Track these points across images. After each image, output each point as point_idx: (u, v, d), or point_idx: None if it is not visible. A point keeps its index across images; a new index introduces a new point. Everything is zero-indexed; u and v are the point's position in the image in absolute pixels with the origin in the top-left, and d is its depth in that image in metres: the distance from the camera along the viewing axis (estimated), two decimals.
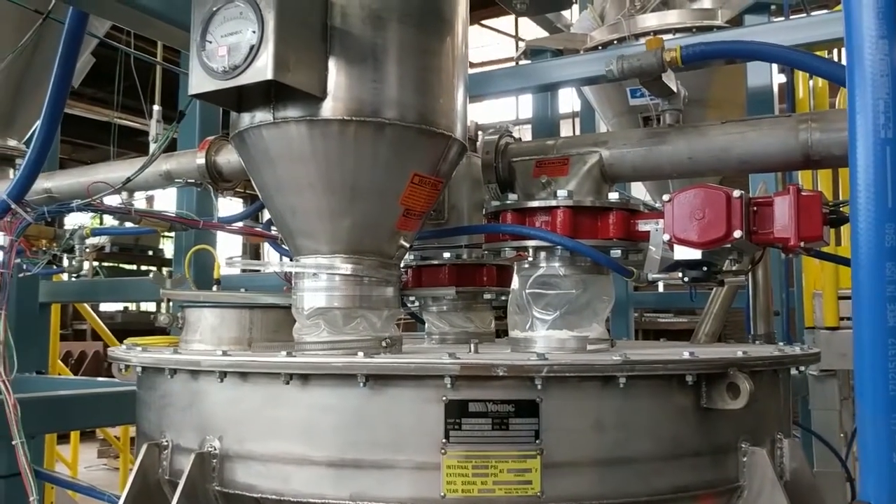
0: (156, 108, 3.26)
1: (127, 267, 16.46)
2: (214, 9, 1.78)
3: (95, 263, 3.72)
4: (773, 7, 4.74)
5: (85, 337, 15.68)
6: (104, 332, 8.11)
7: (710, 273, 2.03)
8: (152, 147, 3.47)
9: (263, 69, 1.70)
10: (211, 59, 1.78)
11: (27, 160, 2.27)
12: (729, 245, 1.91)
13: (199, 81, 1.80)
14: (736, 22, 4.94)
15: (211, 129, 4.09)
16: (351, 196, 1.91)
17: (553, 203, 2.08)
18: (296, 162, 1.89)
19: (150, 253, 16.19)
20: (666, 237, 1.98)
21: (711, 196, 1.90)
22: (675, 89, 2.09)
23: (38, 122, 2.39)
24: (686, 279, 2.03)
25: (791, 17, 4.70)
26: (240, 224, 3.02)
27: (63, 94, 2.22)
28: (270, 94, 1.83)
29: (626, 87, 5.12)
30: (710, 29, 4.96)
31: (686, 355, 1.80)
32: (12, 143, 3.86)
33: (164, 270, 17.39)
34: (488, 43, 15.31)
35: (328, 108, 1.83)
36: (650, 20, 5.08)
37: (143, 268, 17.04)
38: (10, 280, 2.25)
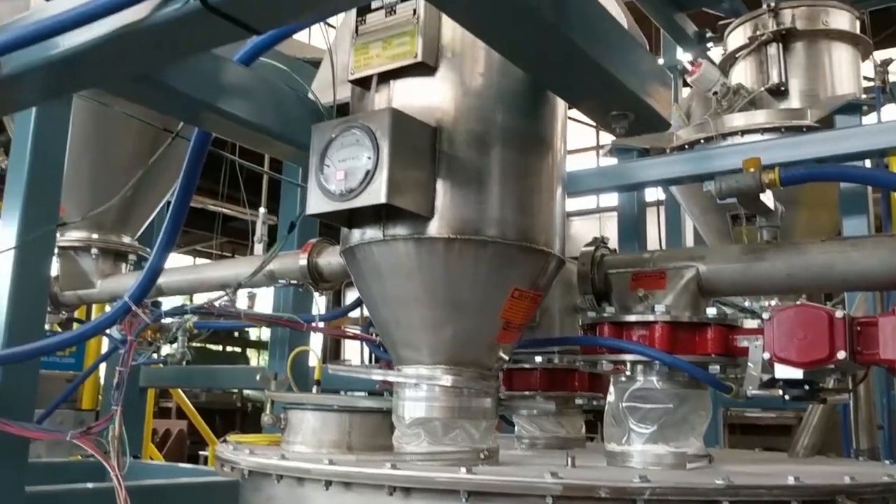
0: (261, 210, 3.45)
1: (213, 347, 16.93)
2: (333, 136, 1.92)
3: None
4: (864, 108, 4.70)
5: (170, 415, 16.04)
6: (191, 412, 8.34)
7: (812, 391, 2.01)
8: (257, 247, 3.66)
9: (378, 193, 1.81)
10: (328, 181, 1.90)
11: (149, 265, 2.43)
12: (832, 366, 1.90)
13: (316, 202, 1.92)
14: (826, 122, 4.92)
15: (309, 228, 4.26)
16: (453, 309, 1.99)
17: (651, 318, 2.10)
18: (402, 277, 1.98)
19: (236, 334, 16.60)
20: (766, 355, 1.97)
21: (813, 316, 1.90)
22: (772, 207, 2.11)
23: (158, 224, 2.56)
24: (787, 397, 2.02)
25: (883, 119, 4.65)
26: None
27: (186, 205, 2.39)
28: (381, 213, 1.94)
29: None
30: (799, 129, 4.95)
31: (791, 480, 1.77)
32: (126, 239, 4.12)
33: (260, 359, 17.82)
34: (569, 131, 15.49)
35: (434, 227, 1.93)
36: (737, 120, 5.10)
37: (229, 349, 17.50)
38: (127, 379, 2.38)
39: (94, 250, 3.99)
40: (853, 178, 2.26)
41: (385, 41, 2.00)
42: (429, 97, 1.98)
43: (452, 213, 1.94)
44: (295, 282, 3.11)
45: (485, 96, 1.99)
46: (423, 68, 1.97)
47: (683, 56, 7.24)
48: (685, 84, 7.07)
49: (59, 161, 2.94)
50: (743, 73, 5.59)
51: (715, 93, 5.29)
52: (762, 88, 5.27)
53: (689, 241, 6.87)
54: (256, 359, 19.44)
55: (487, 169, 1.97)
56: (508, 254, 1.97)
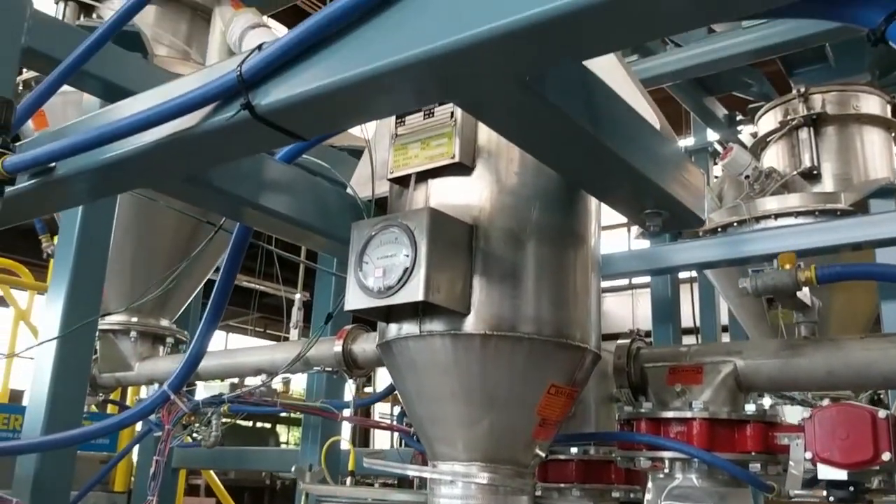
0: (297, 296, 3.50)
1: (243, 423, 16.85)
2: (372, 233, 1.96)
3: None
4: None
5: (199, 492, 15.93)
6: (221, 491, 8.27)
7: (857, 492, 1.97)
8: (293, 332, 3.70)
9: (416, 291, 1.84)
10: (367, 278, 1.94)
11: (189, 354, 2.47)
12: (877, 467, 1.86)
13: (354, 299, 1.95)
14: (861, 206, 4.91)
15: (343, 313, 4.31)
16: (490, 406, 1.99)
17: (689, 414, 2.09)
18: (439, 372, 1.99)
19: None
20: (808, 455, 1.94)
21: (855, 416, 1.87)
22: (809, 303, 2.11)
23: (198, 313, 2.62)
24: (831, 498, 1.97)
25: None
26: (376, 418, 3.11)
27: (226, 295, 2.44)
28: (419, 309, 1.97)
29: (748, 268, 5.10)
30: (833, 213, 4.95)
31: None
32: (164, 322, 4.19)
33: (290, 435, 17.69)
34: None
35: (470, 324, 1.95)
36: (770, 203, 5.11)
37: (259, 424, 17.40)
38: (163, 469, 2.40)
39: (133, 333, 4.06)
40: (892, 277, 2.24)
41: (423, 142, 2.07)
42: (465, 195, 2.03)
43: (488, 310, 1.96)
44: (329, 369, 3.13)
45: (520, 194, 2.03)
46: (460, 168, 2.02)
47: (714, 136, 7.31)
48: (715, 161, 7.13)
49: (103, 252, 3.04)
50: (774, 157, 5.62)
51: (747, 176, 5.32)
52: (794, 172, 5.29)
53: (724, 318, 6.81)
54: (286, 434, 19.31)
55: (523, 265, 2.00)
56: (544, 350, 1.98)
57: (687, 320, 6.52)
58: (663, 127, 2.09)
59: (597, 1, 1.14)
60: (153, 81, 3.19)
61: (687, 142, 7.71)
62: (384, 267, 1.92)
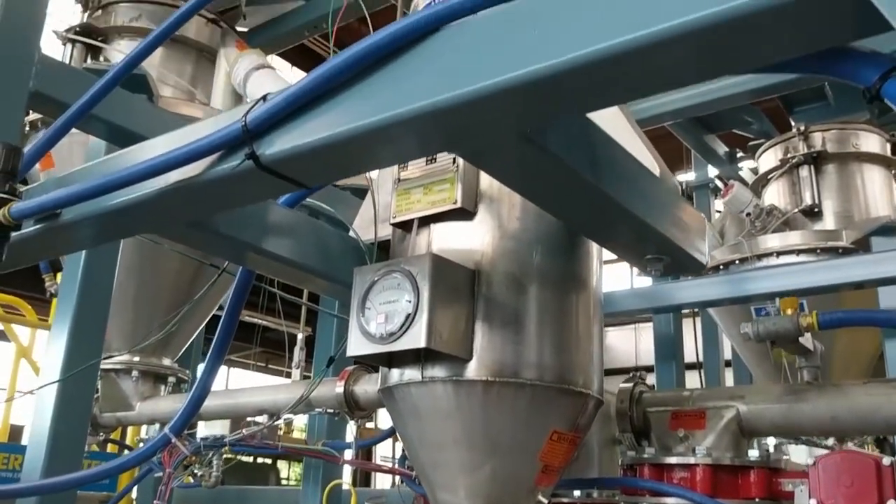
0: (300, 336, 3.50)
1: (244, 459, 16.73)
2: (375, 279, 1.97)
3: None
4: None
5: None
6: None
7: None
8: (294, 373, 3.70)
9: (418, 337, 1.84)
10: (369, 324, 1.94)
11: (191, 397, 2.47)
12: None
13: (357, 345, 1.95)
14: (862, 243, 4.91)
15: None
16: (492, 452, 1.98)
17: (692, 460, 2.08)
18: (441, 418, 1.99)
19: None
20: (812, 501, 1.93)
21: (859, 463, 1.86)
22: (811, 348, 2.11)
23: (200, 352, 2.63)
24: None
25: None
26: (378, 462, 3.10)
27: (229, 337, 2.44)
28: (420, 355, 1.97)
29: (750, 306, 5.09)
30: (835, 251, 4.95)
31: None
32: (166, 361, 4.18)
33: (291, 471, 17.52)
34: None
35: (472, 370, 1.94)
36: (772, 241, 5.12)
37: (259, 460, 17.25)
38: None
39: (134, 373, 4.05)
40: (894, 323, 2.24)
41: (426, 187, 2.08)
42: (467, 240, 2.04)
43: (490, 356, 1.95)
44: (332, 410, 3.12)
45: (522, 240, 2.04)
46: (462, 213, 2.03)
47: (714, 172, 7.35)
48: (717, 196, 7.16)
49: (106, 293, 3.05)
50: (775, 194, 5.64)
51: (748, 214, 5.34)
52: (796, 210, 5.31)
53: (727, 352, 6.79)
54: (287, 470, 19.13)
55: (525, 311, 2.00)
56: (547, 396, 1.97)
57: (690, 354, 6.52)
58: (663, 172, 2.11)
59: (597, 58, 1.16)
60: (158, 124, 3.23)
61: (688, 177, 7.76)
62: (386, 312, 1.92)
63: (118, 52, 4.19)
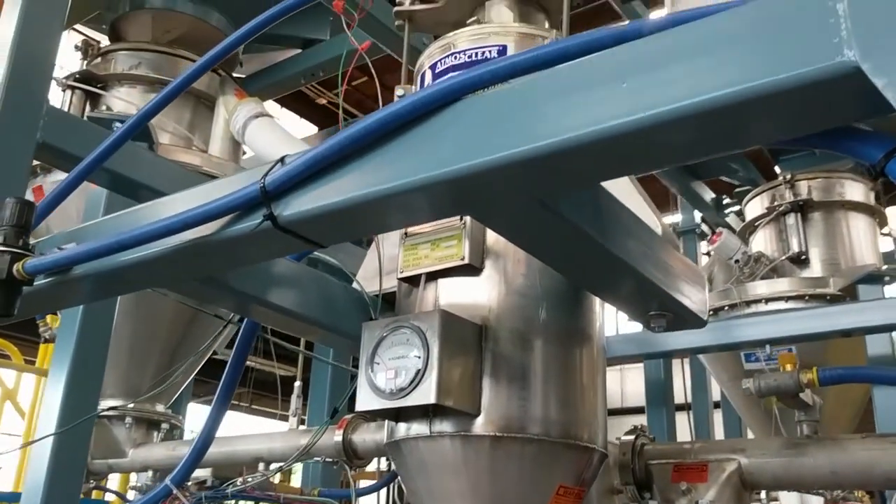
0: (297, 384, 3.51)
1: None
2: (384, 334, 2.00)
3: None
4: (886, 278, 4.79)
5: None
6: None
7: None
8: (291, 421, 3.69)
9: (427, 393, 1.87)
10: (378, 379, 1.96)
11: (193, 448, 2.47)
12: None
13: (366, 399, 1.97)
14: (849, 290, 5.00)
15: (339, 393, 4.30)
16: None
17: None
18: (448, 473, 2.00)
19: None
20: None
21: None
22: (811, 403, 2.15)
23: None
24: None
25: None
26: None
27: (233, 387, 2.46)
28: (429, 409, 1.99)
29: (739, 352, 5.15)
30: (823, 298, 5.03)
31: None
32: (160, 408, 4.16)
33: None
34: None
35: (480, 425, 1.97)
36: (761, 288, 5.20)
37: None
38: None
39: (128, 419, 4.02)
40: (891, 381, 2.29)
41: (433, 243, 2.12)
42: (474, 296, 2.08)
43: (497, 411, 1.98)
44: (330, 459, 3.11)
45: (528, 295, 2.08)
46: (469, 269, 2.07)
47: (700, 217, 7.45)
48: (705, 239, 7.24)
49: (104, 345, 3.05)
50: (763, 241, 5.74)
51: (737, 260, 5.43)
52: (783, 257, 5.40)
53: (716, 393, 6.82)
54: None
55: (531, 366, 2.04)
56: (553, 451, 2.00)
57: (679, 395, 6.55)
58: (664, 229, 2.16)
59: (607, 136, 1.21)
60: (159, 173, 3.27)
61: (674, 218, 7.86)
62: (395, 368, 1.95)
63: (117, 98, 4.24)
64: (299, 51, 5.32)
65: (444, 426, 1.98)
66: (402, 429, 2.07)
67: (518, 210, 1.57)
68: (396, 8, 2.64)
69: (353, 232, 1.72)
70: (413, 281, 2.17)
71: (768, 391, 2.05)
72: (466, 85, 1.40)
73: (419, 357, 1.92)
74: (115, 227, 1.93)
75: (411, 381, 1.90)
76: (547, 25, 2.57)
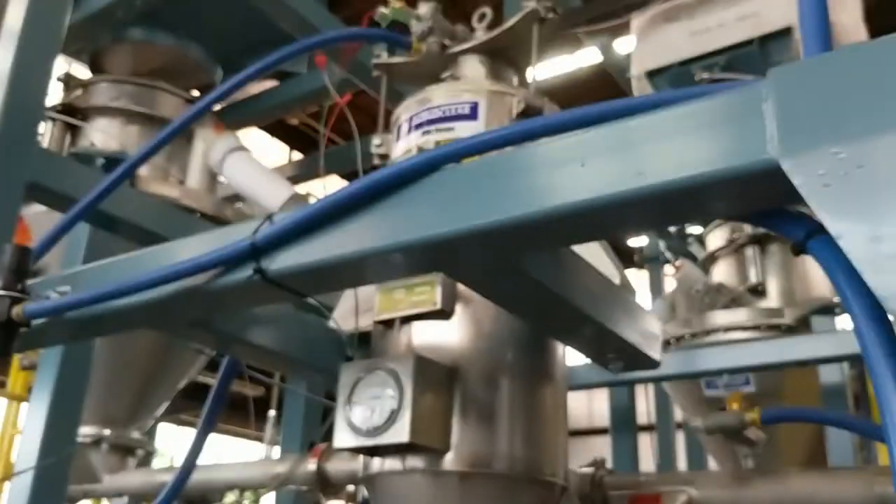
0: (271, 413, 3.62)
1: None
2: (361, 376, 2.13)
3: None
4: (837, 310, 5.01)
5: None
6: None
7: None
8: (266, 449, 3.79)
9: (401, 432, 2.00)
10: (355, 418, 2.10)
11: (176, 476, 2.57)
12: None
13: (343, 437, 2.10)
14: (803, 321, 5.21)
15: (313, 417, 4.38)
16: None
17: None
18: None
19: None
20: None
21: None
22: (755, 439, 2.32)
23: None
24: None
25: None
26: None
27: (215, 418, 2.57)
28: (402, 446, 2.12)
29: (701, 381, 5.34)
30: (778, 328, 5.25)
31: None
32: (135, 434, 4.23)
33: None
34: None
35: (449, 461, 2.11)
36: (721, 318, 5.39)
37: None
38: None
39: (104, 445, 4.09)
40: (832, 422, 2.47)
41: (408, 288, 2.27)
42: (446, 338, 2.22)
43: (466, 448, 2.12)
44: (305, 488, 3.22)
45: (495, 339, 2.23)
46: (442, 314, 2.22)
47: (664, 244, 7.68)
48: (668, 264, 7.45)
49: (83, 379, 3.14)
50: (723, 272, 5.94)
51: (698, 290, 5.63)
52: (742, 288, 5.60)
53: (679, 413, 7.02)
54: None
55: (498, 406, 2.18)
56: (517, 487, 2.14)
57: (642, 416, 6.74)
58: (622, 279, 2.33)
59: (569, 210, 1.37)
60: (137, 209, 3.37)
61: (641, 241, 8.06)
62: (372, 408, 2.08)
63: (98, 131, 4.34)
64: (275, 83, 5.45)
65: (416, 462, 2.12)
66: (377, 463, 2.20)
67: (487, 269, 1.72)
68: (375, 61, 2.79)
69: (335, 285, 1.86)
70: (388, 323, 2.31)
71: (716, 429, 2.21)
72: (443, 157, 1.56)
73: (394, 398, 2.05)
74: (109, 273, 2.04)
75: (386, 420, 2.03)
76: (516, 81, 2.73)
